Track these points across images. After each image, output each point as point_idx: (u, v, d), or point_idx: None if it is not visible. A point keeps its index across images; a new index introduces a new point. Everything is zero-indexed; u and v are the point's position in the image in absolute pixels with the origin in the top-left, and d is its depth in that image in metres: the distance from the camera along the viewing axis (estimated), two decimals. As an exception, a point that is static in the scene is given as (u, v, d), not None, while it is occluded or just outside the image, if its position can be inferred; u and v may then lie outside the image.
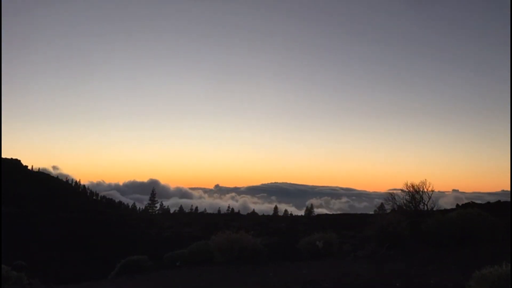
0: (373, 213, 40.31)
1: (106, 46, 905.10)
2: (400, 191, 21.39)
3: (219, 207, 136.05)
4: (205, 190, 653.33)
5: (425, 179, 20.36)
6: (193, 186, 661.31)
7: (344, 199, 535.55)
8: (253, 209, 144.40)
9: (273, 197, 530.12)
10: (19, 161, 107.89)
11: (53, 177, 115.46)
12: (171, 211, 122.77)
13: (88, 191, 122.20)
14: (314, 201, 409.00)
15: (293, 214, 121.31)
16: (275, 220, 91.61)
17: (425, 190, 20.44)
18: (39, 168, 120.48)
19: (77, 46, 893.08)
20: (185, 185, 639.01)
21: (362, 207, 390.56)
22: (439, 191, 21.52)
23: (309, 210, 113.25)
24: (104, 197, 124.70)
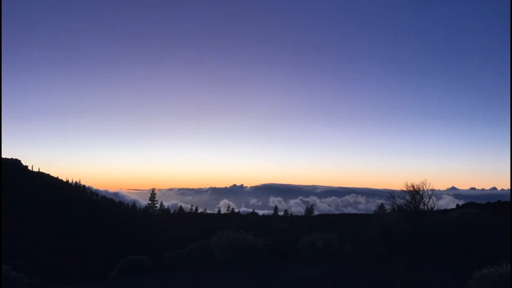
0: (373, 213, 40.29)
1: (110, 47, 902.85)
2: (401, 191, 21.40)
3: (219, 207, 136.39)
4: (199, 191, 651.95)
5: (425, 179, 20.37)
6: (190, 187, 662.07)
7: (344, 199, 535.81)
8: (253, 209, 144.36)
9: (273, 197, 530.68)
10: (19, 161, 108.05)
11: (53, 177, 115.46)
12: (171, 211, 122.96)
13: (88, 191, 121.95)
14: (318, 200, 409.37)
15: (294, 214, 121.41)
16: (275, 220, 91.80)
17: (425, 189, 20.43)
18: (39, 168, 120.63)
19: (80, 47, 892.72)
20: (178, 186, 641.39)
21: (363, 207, 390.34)
22: (438, 189, 21.43)
23: (309, 210, 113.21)
24: (104, 197, 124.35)
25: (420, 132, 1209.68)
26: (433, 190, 20.47)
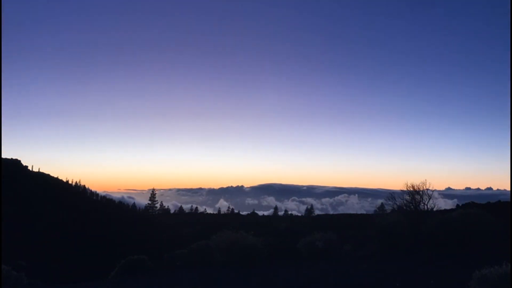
0: (373, 213, 40.38)
1: (110, 45, 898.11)
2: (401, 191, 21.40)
3: (219, 207, 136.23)
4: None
5: (425, 179, 20.38)
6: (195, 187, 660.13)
7: (344, 199, 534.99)
8: (253, 210, 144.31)
9: (272, 197, 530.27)
10: (19, 161, 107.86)
11: (53, 177, 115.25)
12: (171, 211, 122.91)
13: (88, 191, 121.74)
14: (314, 201, 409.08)
15: (293, 214, 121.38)
16: (275, 220, 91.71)
17: (425, 189, 20.44)
18: (39, 168, 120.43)
19: (80, 47, 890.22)
20: (177, 186, 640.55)
21: (358, 207, 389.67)
22: (434, 189, 21.48)
23: (309, 210, 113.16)
24: (104, 197, 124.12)
25: (416, 132, 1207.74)
26: (433, 191, 20.53)
